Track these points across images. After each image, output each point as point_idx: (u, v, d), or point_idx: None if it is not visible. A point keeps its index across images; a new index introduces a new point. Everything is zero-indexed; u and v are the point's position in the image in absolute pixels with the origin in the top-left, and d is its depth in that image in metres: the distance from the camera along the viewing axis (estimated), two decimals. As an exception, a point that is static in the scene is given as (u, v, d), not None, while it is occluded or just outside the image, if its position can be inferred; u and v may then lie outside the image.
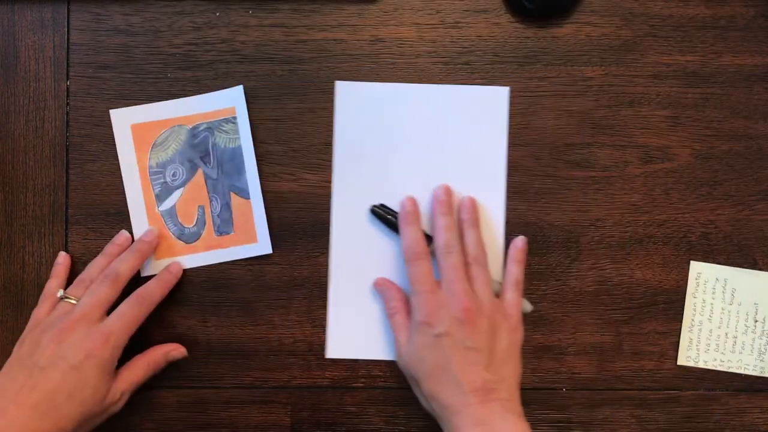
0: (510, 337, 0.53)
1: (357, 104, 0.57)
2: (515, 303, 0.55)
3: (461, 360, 0.51)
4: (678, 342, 0.58)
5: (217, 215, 0.57)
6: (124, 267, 0.54)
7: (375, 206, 0.57)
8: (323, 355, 0.58)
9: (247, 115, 0.57)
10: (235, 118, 0.57)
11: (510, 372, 0.52)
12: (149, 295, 0.54)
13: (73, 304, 0.52)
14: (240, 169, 0.57)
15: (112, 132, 0.57)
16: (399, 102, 0.58)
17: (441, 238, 0.54)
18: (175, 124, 0.57)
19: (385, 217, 0.57)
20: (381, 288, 0.57)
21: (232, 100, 0.57)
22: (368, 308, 0.58)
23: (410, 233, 0.55)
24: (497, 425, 0.49)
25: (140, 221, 0.57)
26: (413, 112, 0.58)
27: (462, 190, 0.57)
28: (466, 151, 0.58)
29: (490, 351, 0.52)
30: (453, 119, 0.58)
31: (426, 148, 0.58)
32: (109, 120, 0.57)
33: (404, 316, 0.55)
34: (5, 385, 0.49)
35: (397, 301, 0.56)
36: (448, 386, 0.51)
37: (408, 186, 0.57)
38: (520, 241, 0.57)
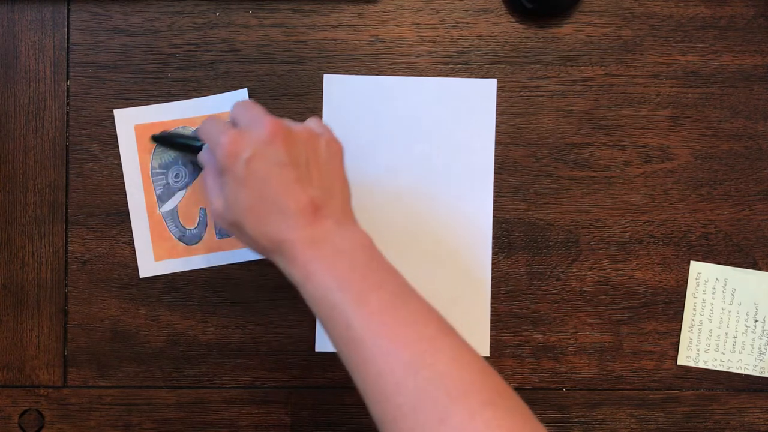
0: (330, 148, 0.48)
1: (344, 97, 0.58)
2: (319, 122, 0.50)
3: (278, 180, 0.46)
4: (678, 342, 0.58)
5: (218, 217, 0.57)
6: None
7: (157, 136, 0.56)
8: (323, 354, 0.58)
9: (247, 116, 0.57)
10: (237, 119, 0.57)
11: (338, 186, 0.48)
12: None
13: None
14: (240, 169, 0.57)
15: (113, 132, 0.57)
16: (387, 95, 0.58)
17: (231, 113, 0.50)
18: (179, 126, 0.57)
19: (174, 142, 0.56)
20: (200, 159, 0.52)
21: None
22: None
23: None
24: (334, 240, 0.45)
25: (141, 222, 0.57)
26: (401, 105, 0.58)
27: (450, 183, 0.58)
28: (454, 143, 0.58)
29: (309, 164, 0.47)
30: (441, 112, 0.58)
31: (414, 141, 0.58)
32: (110, 120, 0.57)
33: (215, 172, 0.49)
34: None
35: (208, 160, 0.51)
36: (271, 215, 0.46)
37: (396, 179, 0.58)
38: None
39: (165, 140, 0.56)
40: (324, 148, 0.48)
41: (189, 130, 0.57)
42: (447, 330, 0.45)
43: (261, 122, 0.47)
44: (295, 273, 0.46)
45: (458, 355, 0.43)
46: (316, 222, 0.46)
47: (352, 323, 0.43)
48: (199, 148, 0.53)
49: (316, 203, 0.46)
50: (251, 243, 0.48)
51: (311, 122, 0.50)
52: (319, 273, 0.45)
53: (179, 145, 0.56)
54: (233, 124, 0.49)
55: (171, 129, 0.57)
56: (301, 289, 0.46)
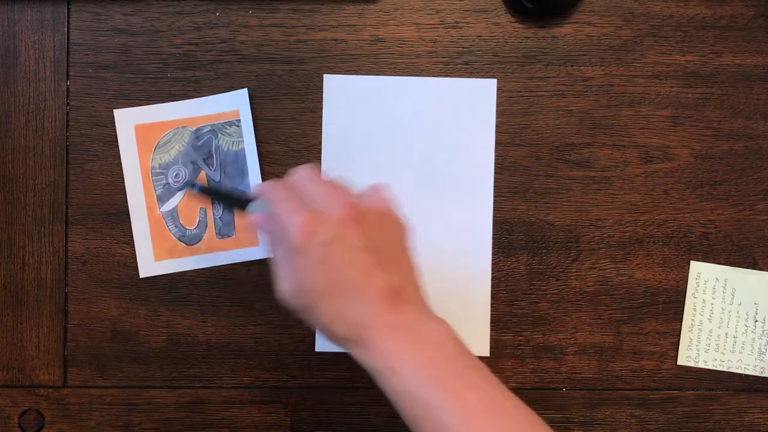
0: (398, 230, 0.47)
1: (344, 97, 0.58)
2: (385, 198, 0.47)
3: (357, 264, 0.44)
4: (678, 342, 0.58)
5: (219, 218, 0.57)
6: None
7: (196, 187, 0.54)
8: (323, 355, 0.58)
9: (251, 119, 0.57)
10: (239, 121, 0.57)
11: (409, 269, 0.46)
12: None
13: None
14: (243, 172, 0.57)
15: (113, 132, 0.57)
16: (387, 95, 0.58)
17: (292, 178, 0.47)
18: (179, 126, 0.57)
19: (219, 195, 0.54)
20: (258, 224, 0.49)
21: (236, 103, 0.57)
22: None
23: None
24: (419, 329, 0.43)
25: (141, 222, 0.57)
26: (401, 105, 0.58)
27: (450, 183, 0.58)
28: (454, 143, 0.58)
29: (383, 248, 0.45)
30: (441, 112, 0.58)
31: (414, 141, 0.58)
32: (110, 120, 0.57)
33: (282, 249, 0.46)
34: None
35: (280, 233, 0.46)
36: (349, 300, 0.43)
37: (396, 178, 0.58)
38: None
39: (207, 192, 0.55)
40: (393, 231, 0.47)
41: (188, 131, 0.57)
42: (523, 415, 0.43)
43: (335, 203, 0.45)
44: (375, 363, 0.43)
45: None
46: (397, 308, 0.43)
47: (448, 425, 0.41)
48: (244, 204, 0.49)
49: (395, 288, 0.44)
50: (324, 329, 0.45)
51: (375, 194, 0.47)
52: (407, 366, 0.42)
53: (223, 195, 0.54)
54: (291, 187, 0.47)
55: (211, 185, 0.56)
56: (382, 380, 0.43)
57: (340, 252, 0.44)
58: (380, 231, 0.45)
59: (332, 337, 0.45)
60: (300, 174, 0.47)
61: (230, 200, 0.53)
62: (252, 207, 0.49)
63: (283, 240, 0.45)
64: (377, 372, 0.43)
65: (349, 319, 0.43)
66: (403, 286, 0.45)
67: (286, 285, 0.45)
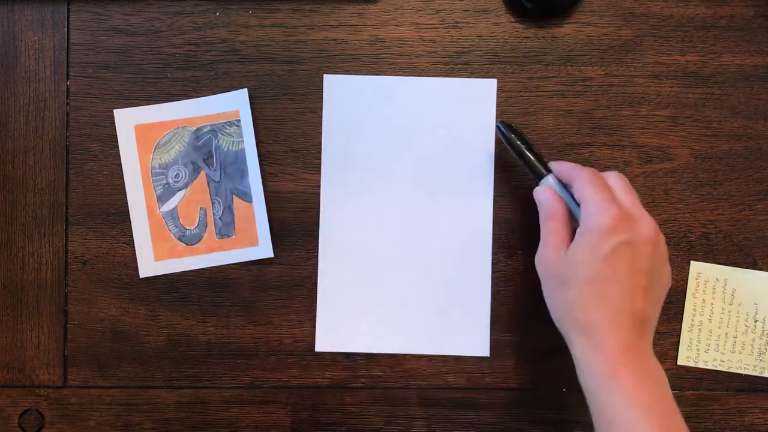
0: (668, 275, 0.50)
1: (345, 97, 0.58)
2: (659, 232, 0.50)
3: (634, 279, 0.47)
4: (678, 342, 0.58)
5: (219, 218, 0.57)
6: None
7: (501, 124, 0.55)
8: (323, 354, 0.58)
9: (251, 119, 0.57)
10: (239, 121, 0.57)
11: (659, 312, 0.49)
12: None
13: None
14: (243, 172, 0.57)
15: (113, 132, 0.57)
16: (387, 95, 0.58)
17: (607, 178, 0.51)
18: (179, 126, 0.57)
19: (521, 148, 0.54)
20: (541, 196, 0.52)
21: (236, 103, 0.57)
22: (357, 302, 0.58)
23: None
24: (646, 361, 0.46)
25: (141, 222, 0.57)
26: (401, 106, 0.58)
27: (450, 183, 0.58)
28: (454, 143, 0.58)
29: (654, 283, 0.48)
30: (441, 112, 0.58)
31: (414, 141, 0.58)
32: (110, 120, 0.57)
33: (563, 222, 0.50)
34: None
35: (558, 209, 0.51)
36: (607, 301, 0.46)
37: (396, 178, 0.58)
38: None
39: (513, 137, 0.54)
40: (665, 274, 0.50)
41: (188, 131, 0.57)
42: None
43: (647, 220, 0.49)
44: (598, 363, 0.46)
45: None
46: (639, 334, 0.46)
47: None
48: (540, 174, 0.53)
49: (646, 318, 0.47)
50: (563, 306, 0.49)
51: (657, 232, 0.50)
52: (630, 384, 0.45)
53: (523, 154, 0.54)
54: (605, 182, 0.50)
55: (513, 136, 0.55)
56: (597, 381, 0.46)
57: (629, 260, 0.47)
58: (660, 269, 0.49)
59: (568, 317, 0.48)
60: (616, 178, 0.51)
61: (526, 160, 0.54)
62: (547, 179, 0.53)
63: (560, 215, 0.50)
64: (595, 371, 0.46)
65: (599, 315, 0.46)
66: (651, 320, 0.48)
67: (552, 254, 0.49)
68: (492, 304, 0.58)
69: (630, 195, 0.50)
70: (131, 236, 0.57)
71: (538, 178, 0.53)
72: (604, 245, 0.47)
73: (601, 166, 0.58)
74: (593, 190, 0.49)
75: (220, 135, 0.57)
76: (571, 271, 0.48)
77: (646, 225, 0.48)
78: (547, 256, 0.50)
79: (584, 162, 0.58)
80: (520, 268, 0.58)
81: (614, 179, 0.51)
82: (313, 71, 0.58)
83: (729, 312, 0.58)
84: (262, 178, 0.57)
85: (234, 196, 0.57)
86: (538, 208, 0.52)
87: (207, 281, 0.58)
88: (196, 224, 0.58)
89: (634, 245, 0.47)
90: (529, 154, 0.54)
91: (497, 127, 0.55)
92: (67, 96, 0.57)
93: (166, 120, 0.57)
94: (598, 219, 0.48)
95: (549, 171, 0.53)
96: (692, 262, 0.58)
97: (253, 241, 0.57)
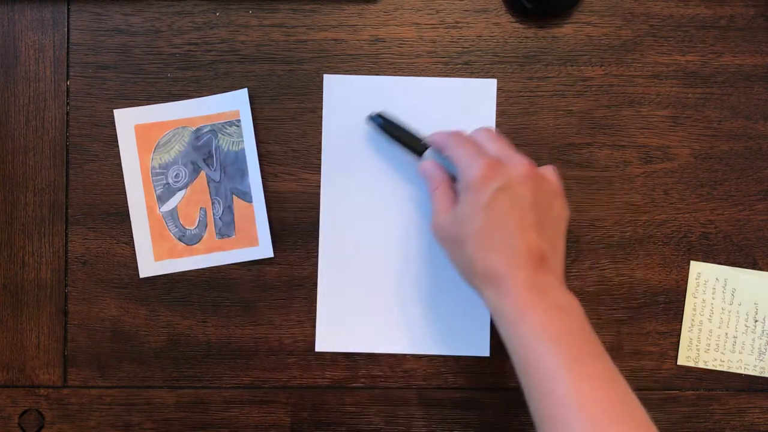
0: (562, 210, 0.51)
1: (345, 97, 0.58)
2: (557, 178, 0.52)
3: (518, 218, 0.47)
4: (678, 342, 0.58)
5: (219, 218, 0.57)
6: None
7: (375, 116, 0.56)
8: (323, 354, 0.58)
9: (251, 119, 0.57)
10: (239, 121, 0.57)
11: (560, 244, 0.50)
12: None
13: None
14: (243, 172, 0.57)
15: (113, 132, 0.57)
16: (387, 95, 0.58)
17: (474, 134, 0.53)
18: (179, 126, 0.57)
19: (397, 133, 0.56)
20: (423, 169, 0.54)
21: (236, 103, 0.57)
22: (357, 302, 0.58)
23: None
24: (556, 295, 0.46)
25: (141, 222, 0.57)
26: (401, 105, 0.58)
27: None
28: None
29: (545, 216, 0.49)
30: (441, 112, 0.58)
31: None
32: (110, 120, 0.57)
33: (447, 187, 0.52)
34: None
35: (440, 177, 0.53)
36: (500, 246, 0.47)
37: (396, 178, 0.58)
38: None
39: (388, 126, 0.56)
40: (558, 207, 0.50)
41: (188, 131, 0.57)
42: (650, 426, 0.44)
43: (517, 160, 0.49)
44: (507, 307, 0.46)
45: None
46: (541, 270, 0.47)
47: (559, 380, 0.43)
48: (420, 151, 0.55)
49: (544, 254, 0.47)
50: (463, 263, 0.49)
51: (551, 173, 0.51)
52: (536, 319, 0.45)
53: (401, 138, 0.56)
54: (472, 138, 0.52)
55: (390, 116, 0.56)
56: (508, 324, 0.46)
57: (509, 202, 0.48)
58: (548, 201, 0.49)
59: (470, 272, 0.49)
60: (480, 132, 0.52)
61: (405, 143, 0.56)
62: (426, 154, 0.54)
63: (443, 182, 0.52)
64: (504, 315, 0.46)
65: (495, 261, 0.47)
66: (551, 256, 0.48)
67: (442, 219, 0.51)
68: (492, 304, 0.58)
69: (497, 143, 0.51)
70: (131, 236, 0.57)
71: (420, 155, 0.55)
72: (481, 195, 0.48)
73: (601, 166, 0.58)
74: (460, 149, 0.51)
75: (220, 135, 0.57)
76: (461, 228, 0.49)
77: (517, 165, 0.49)
78: (438, 222, 0.51)
79: (584, 163, 0.58)
80: (520, 268, 0.58)
81: (480, 133, 0.53)
82: (313, 71, 0.58)
83: (729, 312, 0.58)
84: (262, 178, 0.57)
85: (234, 196, 0.57)
86: (426, 183, 0.54)
87: (207, 281, 0.58)
88: (196, 224, 0.58)
89: (510, 187, 0.48)
90: (405, 137, 0.55)
91: (369, 120, 0.56)
92: (67, 96, 0.57)
93: (166, 120, 0.57)
94: (469, 173, 0.49)
95: (427, 147, 0.55)
96: (692, 262, 0.58)
97: (253, 241, 0.57)
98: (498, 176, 0.48)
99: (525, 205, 0.48)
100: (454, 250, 0.50)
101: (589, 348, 0.45)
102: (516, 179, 0.48)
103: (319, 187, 0.58)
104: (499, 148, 0.51)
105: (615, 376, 0.44)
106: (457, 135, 0.53)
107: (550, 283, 0.47)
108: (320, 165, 0.58)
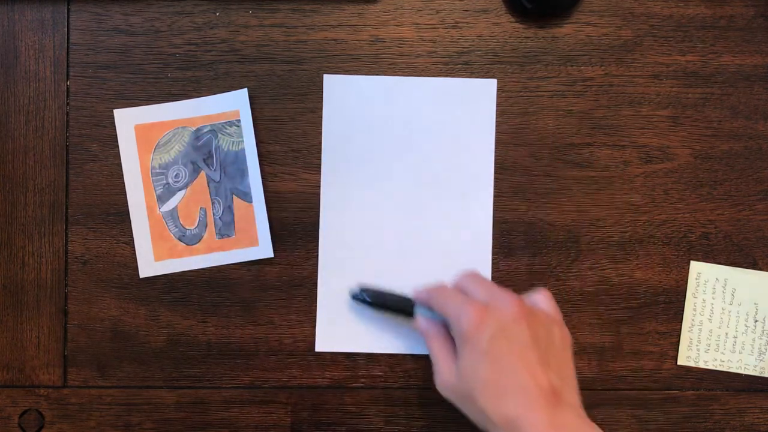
0: (563, 337, 0.50)
1: (345, 97, 0.58)
2: (553, 304, 0.51)
3: (521, 358, 0.46)
4: (678, 342, 0.58)
5: (219, 218, 0.57)
6: None
7: (359, 292, 0.57)
8: (323, 354, 0.58)
9: (251, 119, 0.57)
10: (239, 121, 0.57)
11: (570, 373, 0.49)
12: None
13: None
14: (243, 172, 0.57)
15: (113, 132, 0.57)
16: (387, 95, 0.58)
17: (458, 282, 0.53)
18: (179, 126, 0.57)
19: (385, 303, 0.56)
20: (418, 326, 0.54)
21: (236, 103, 0.57)
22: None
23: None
24: (579, 428, 0.45)
25: (141, 222, 0.57)
26: (401, 105, 0.58)
27: (450, 183, 0.58)
28: (454, 143, 0.58)
29: (548, 349, 0.48)
30: (441, 112, 0.58)
31: (414, 141, 0.58)
32: (110, 120, 0.57)
33: (444, 338, 0.51)
34: None
35: (434, 330, 0.52)
36: (510, 391, 0.46)
37: (396, 178, 0.58)
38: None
39: (375, 298, 0.56)
40: (558, 335, 0.49)
41: (188, 131, 0.57)
42: None
43: (506, 300, 0.48)
44: None
45: None
46: (557, 408, 0.45)
47: None
48: (411, 312, 0.54)
49: (556, 389, 0.46)
50: (479, 416, 0.48)
51: (543, 301, 0.51)
52: None
53: (390, 306, 0.56)
54: (458, 287, 0.52)
55: (373, 287, 0.57)
56: None
57: (507, 345, 0.47)
58: (546, 333, 0.48)
59: (484, 423, 0.47)
60: (463, 278, 0.52)
61: (395, 307, 0.55)
62: (417, 311, 0.54)
63: (439, 336, 0.51)
64: None
65: (509, 408, 0.45)
66: (564, 388, 0.47)
67: (447, 376, 0.50)
68: (492, 304, 0.58)
69: (482, 286, 0.51)
70: (131, 236, 0.57)
71: (411, 315, 0.54)
72: (478, 344, 0.47)
73: (601, 166, 0.58)
74: (447, 301, 0.51)
75: (220, 135, 0.57)
76: (467, 384, 0.48)
77: (507, 305, 0.48)
78: (442, 381, 0.50)
79: (584, 163, 0.58)
80: (520, 268, 0.58)
81: (463, 279, 0.52)
82: (313, 71, 0.58)
83: (729, 312, 0.58)
84: (262, 178, 0.57)
85: (234, 196, 0.57)
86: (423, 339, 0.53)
87: (207, 281, 0.58)
88: (196, 224, 0.58)
89: (505, 329, 0.47)
90: (393, 303, 0.55)
91: (354, 298, 0.57)
92: (67, 96, 0.57)
93: (166, 120, 0.57)
94: (461, 324, 0.48)
95: (414, 305, 0.54)
96: (692, 262, 0.58)
97: (253, 241, 0.57)
98: (490, 321, 0.47)
99: (524, 343, 0.47)
100: (466, 406, 0.49)
101: None
102: (509, 319, 0.47)
103: (319, 187, 0.58)
104: (485, 290, 0.50)
105: None
106: (441, 288, 0.53)
107: (571, 421, 0.45)
108: (320, 165, 0.58)
